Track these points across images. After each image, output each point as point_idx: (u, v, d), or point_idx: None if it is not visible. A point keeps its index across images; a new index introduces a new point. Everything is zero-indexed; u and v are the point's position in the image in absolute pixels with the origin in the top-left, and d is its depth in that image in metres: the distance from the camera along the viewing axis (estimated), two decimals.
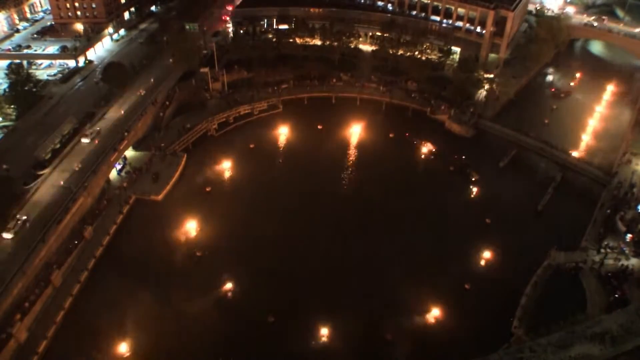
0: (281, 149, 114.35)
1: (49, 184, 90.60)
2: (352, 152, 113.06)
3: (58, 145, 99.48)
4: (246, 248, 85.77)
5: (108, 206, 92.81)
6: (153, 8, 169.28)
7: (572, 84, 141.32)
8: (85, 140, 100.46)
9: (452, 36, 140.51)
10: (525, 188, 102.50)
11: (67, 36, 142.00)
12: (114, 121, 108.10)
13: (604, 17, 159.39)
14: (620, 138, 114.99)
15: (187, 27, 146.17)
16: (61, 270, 78.70)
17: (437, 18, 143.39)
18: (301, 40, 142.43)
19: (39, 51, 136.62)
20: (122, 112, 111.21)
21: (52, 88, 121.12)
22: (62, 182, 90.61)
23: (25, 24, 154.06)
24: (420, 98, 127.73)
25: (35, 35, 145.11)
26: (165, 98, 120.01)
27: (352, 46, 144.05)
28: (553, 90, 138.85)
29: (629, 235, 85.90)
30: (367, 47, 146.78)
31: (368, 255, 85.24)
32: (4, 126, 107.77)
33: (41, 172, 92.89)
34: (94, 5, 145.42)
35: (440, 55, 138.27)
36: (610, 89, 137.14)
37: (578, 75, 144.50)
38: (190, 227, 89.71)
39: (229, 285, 79.72)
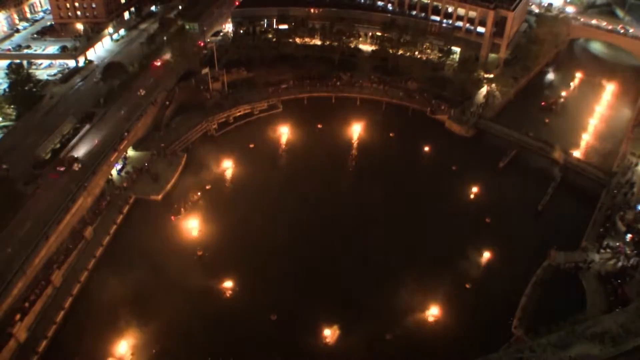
0: (281, 148, 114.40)
1: (48, 184, 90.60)
2: (352, 152, 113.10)
3: (58, 145, 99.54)
4: (247, 247, 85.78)
5: (108, 206, 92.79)
6: (153, 8, 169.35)
7: (563, 93, 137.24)
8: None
9: (452, 36, 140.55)
10: (525, 188, 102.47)
11: (67, 36, 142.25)
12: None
13: None
14: (620, 138, 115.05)
15: (187, 27, 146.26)
16: (61, 270, 78.70)
17: (437, 18, 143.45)
18: (301, 40, 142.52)
19: (39, 51, 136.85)
20: (122, 112, 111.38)
21: (52, 88, 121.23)
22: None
23: (25, 24, 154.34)
24: (420, 98, 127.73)
25: (35, 35, 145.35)
26: (165, 98, 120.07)
27: (352, 46, 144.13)
28: (543, 104, 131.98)
29: (629, 235, 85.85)
30: (367, 47, 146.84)
31: (368, 254, 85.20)
32: (4, 126, 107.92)
33: (41, 172, 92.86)
34: (94, 5, 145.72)
35: (440, 55, 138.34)
36: (610, 88, 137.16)
37: (579, 75, 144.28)
38: (191, 227, 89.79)
39: (230, 284, 79.75)
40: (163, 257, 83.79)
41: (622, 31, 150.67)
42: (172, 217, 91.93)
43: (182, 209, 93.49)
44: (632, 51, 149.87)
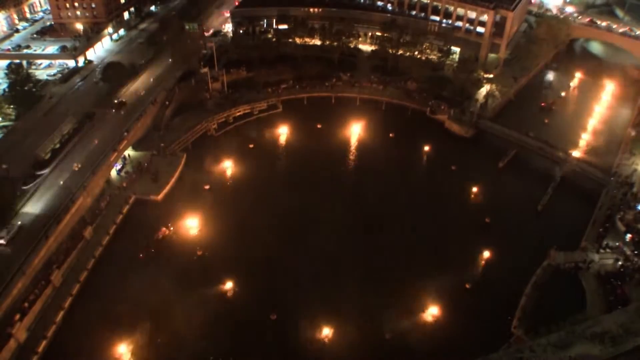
0: (281, 148, 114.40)
1: (48, 184, 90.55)
2: (352, 152, 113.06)
3: (58, 145, 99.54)
4: (247, 247, 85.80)
5: (108, 206, 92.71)
6: (153, 8, 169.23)
7: (562, 94, 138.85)
8: None
9: (452, 36, 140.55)
10: (525, 188, 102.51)
11: (67, 36, 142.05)
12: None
13: None
14: (620, 138, 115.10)
15: (187, 27, 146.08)
16: (61, 270, 78.66)
17: (437, 18, 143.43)
18: (301, 40, 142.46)
19: (39, 51, 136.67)
20: (122, 112, 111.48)
21: (52, 88, 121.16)
22: (62, 182, 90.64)
23: (24, 24, 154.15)
24: (420, 98, 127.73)
25: (34, 35, 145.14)
26: (165, 98, 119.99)
27: (352, 46, 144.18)
28: (543, 104, 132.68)
29: (628, 235, 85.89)
30: (366, 47, 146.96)
31: (368, 254, 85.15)
32: (4, 126, 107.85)
33: (41, 172, 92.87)
34: (93, 5, 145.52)
35: (440, 55, 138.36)
36: (610, 88, 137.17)
37: (579, 75, 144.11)
38: (190, 227, 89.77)
39: (229, 284, 79.69)
40: (162, 257, 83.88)
41: (631, 33, 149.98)
42: (140, 255, 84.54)
43: (150, 247, 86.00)
44: (632, 51, 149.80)
